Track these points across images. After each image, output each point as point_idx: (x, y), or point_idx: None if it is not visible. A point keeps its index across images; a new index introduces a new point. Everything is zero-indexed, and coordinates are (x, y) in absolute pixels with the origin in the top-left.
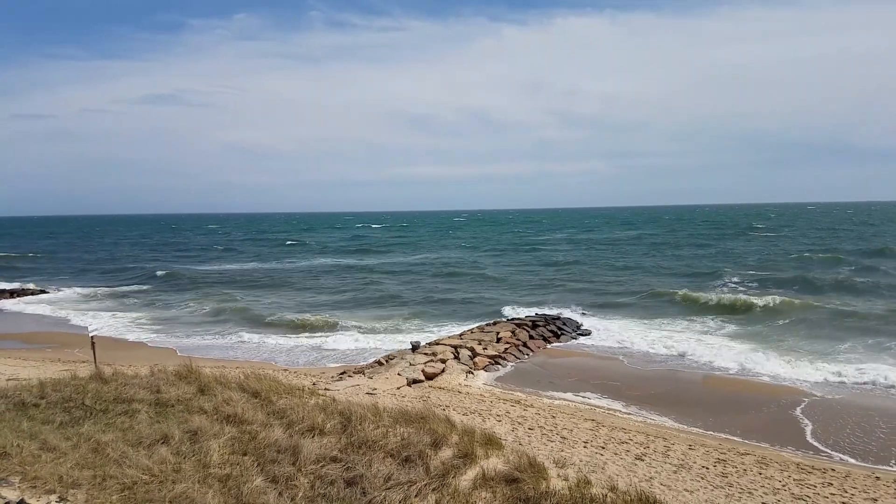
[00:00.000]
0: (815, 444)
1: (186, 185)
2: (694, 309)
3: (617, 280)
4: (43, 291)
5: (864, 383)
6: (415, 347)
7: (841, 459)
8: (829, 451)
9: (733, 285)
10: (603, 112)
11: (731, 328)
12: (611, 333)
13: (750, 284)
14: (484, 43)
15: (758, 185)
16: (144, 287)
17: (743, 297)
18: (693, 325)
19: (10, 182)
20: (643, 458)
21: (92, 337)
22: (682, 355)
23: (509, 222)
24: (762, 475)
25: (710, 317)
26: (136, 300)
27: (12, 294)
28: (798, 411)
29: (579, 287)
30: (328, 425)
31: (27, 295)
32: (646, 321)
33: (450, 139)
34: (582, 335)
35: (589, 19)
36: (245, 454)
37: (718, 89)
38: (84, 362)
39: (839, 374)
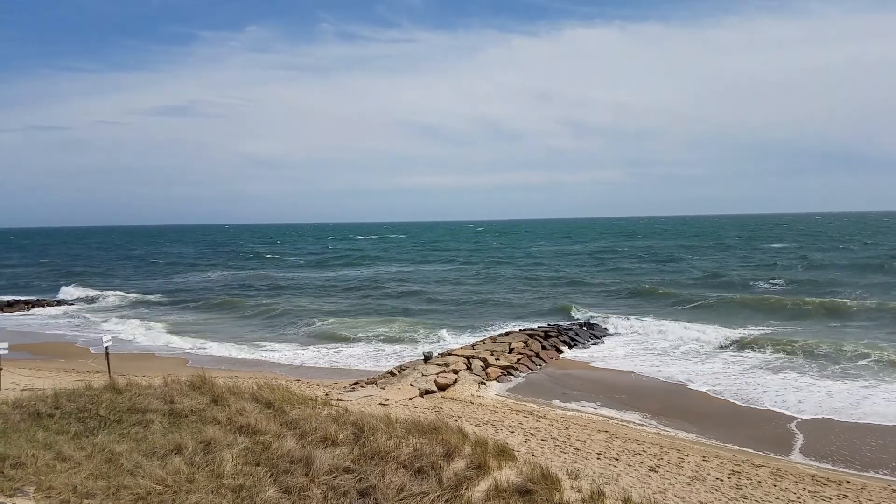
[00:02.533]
0: (803, 455)
1: (202, 195)
2: (695, 325)
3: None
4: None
5: (860, 397)
6: (427, 358)
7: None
8: (820, 463)
9: (733, 295)
10: (614, 121)
11: (731, 340)
12: (621, 344)
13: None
14: (493, 53)
15: (773, 195)
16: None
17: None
18: (698, 339)
19: (25, 193)
20: (657, 469)
21: (106, 347)
22: (687, 369)
23: (508, 233)
24: (777, 487)
25: (710, 333)
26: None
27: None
28: (793, 426)
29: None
30: (341, 436)
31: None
32: (651, 334)
33: (461, 148)
34: (594, 346)
35: (598, 30)
36: (258, 464)
37: (730, 98)
38: (98, 373)
39: (836, 387)
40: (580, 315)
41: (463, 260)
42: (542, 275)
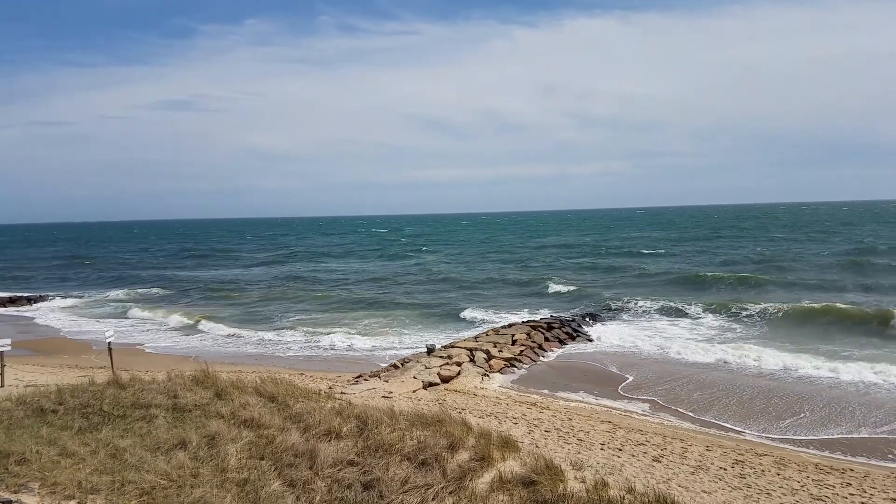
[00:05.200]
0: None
1: (207, 189)
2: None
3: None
4: None
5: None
6: (430, 350)
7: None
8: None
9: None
10: (620, 112)
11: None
12: (622, 337)
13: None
14: (496, 45)
15: (780, 185)
16: None
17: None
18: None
19: (28, 189)
20: (660, 459)
21: (109, 342)
22: (693, 360)
23: (495, 224)
24: (780, 476)
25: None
26: None
27: None
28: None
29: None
30: (344, 429)
31: None
32: (649, 327)
33: (466, 141)
34: (597, 338)
35: (598, 20)
36: (262, 458)
37: (736, 89)
38: (101, 368)
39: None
40: (472, 314)
41: (414, 258)
42: (460, 277)
